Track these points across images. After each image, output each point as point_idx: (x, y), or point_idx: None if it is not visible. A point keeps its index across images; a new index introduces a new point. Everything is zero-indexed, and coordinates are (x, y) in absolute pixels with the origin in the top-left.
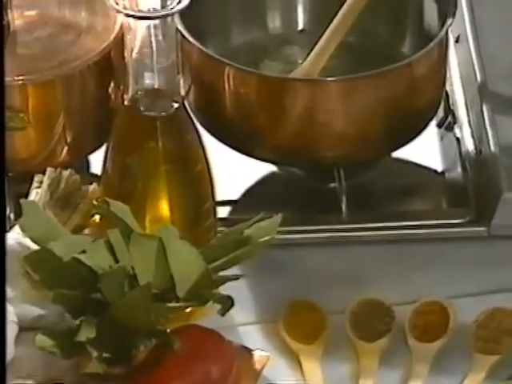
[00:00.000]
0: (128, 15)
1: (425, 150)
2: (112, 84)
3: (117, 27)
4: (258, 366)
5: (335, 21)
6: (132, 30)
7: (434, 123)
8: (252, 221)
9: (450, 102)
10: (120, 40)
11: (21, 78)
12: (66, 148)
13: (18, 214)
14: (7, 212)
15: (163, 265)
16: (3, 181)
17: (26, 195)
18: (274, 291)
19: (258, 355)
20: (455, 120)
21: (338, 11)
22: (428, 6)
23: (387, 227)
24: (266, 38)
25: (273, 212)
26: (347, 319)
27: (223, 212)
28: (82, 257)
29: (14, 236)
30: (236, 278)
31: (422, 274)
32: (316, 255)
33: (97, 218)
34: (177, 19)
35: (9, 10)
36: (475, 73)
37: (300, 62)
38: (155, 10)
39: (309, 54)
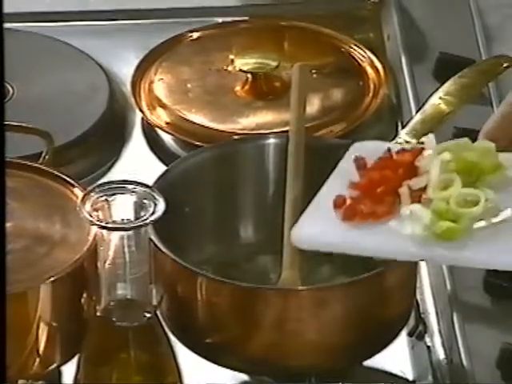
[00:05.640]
0: (102, 227)
1: (396, 358)
2: (85, 295)
3: (90, 238)
4: None
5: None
6: (105, 240)
7: (404, 332)
8: None
9: (421, 310)
10: (93, 251)
11: None
12: (37, 359)
13: None
14: None
15: None
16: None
17: None
18: None
19: None
20: (426, 329)
21: None
22: None
23: None
24: (238, 247)
25: None
26: None
27: None
28: None
29: None
30: None
31: None
32: None
33: None
34: (150, 229)
35: None
36: (445, 282)
37: (272, 271)
38: (129, 221)
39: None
